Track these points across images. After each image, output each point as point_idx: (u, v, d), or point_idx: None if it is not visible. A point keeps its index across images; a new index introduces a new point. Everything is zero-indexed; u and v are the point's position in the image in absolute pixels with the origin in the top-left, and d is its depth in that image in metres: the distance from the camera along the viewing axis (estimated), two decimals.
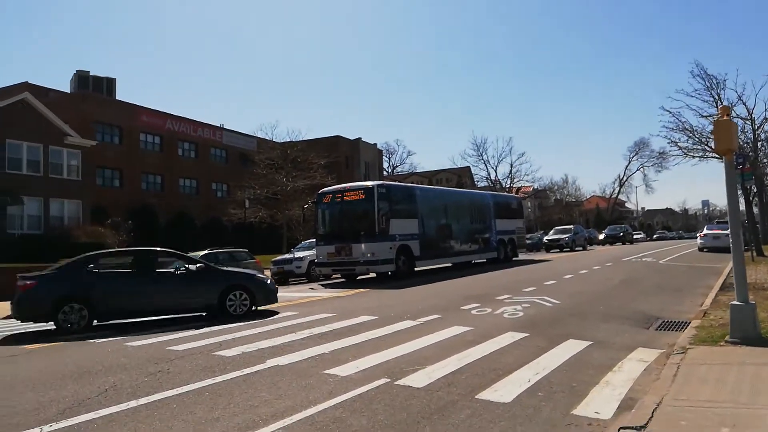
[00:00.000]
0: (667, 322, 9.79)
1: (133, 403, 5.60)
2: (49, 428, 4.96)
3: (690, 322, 9.26)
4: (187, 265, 12.07)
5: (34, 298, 10.64)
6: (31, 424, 5.09)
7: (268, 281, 13.12)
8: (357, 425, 4.77)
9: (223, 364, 7.20)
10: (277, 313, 12.22)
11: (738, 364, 6.25)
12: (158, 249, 12.67)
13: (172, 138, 45.15)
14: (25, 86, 37.48)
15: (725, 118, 7.53)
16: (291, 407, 5.29)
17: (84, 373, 7.07)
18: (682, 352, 6.96)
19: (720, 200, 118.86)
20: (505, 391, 5.68)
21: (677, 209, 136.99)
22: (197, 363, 7.33)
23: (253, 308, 12.28)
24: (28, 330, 11.81)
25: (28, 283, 10.79)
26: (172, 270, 11.96)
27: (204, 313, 12.14)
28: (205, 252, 20.89)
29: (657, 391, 5.41)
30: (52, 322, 10.78)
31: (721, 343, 7.28)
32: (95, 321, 11.15)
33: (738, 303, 7.38)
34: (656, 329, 9.26)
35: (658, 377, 6.02)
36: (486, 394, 5.57)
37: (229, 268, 13.77)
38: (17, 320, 11.18)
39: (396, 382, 6.04)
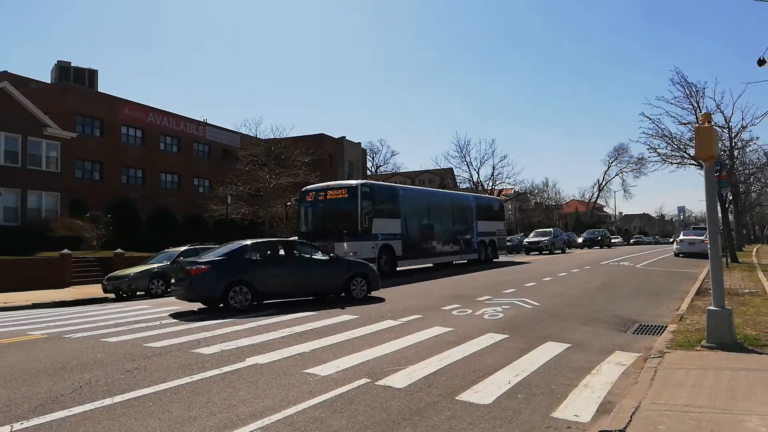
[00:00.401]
0: (645, 326, 9.90)
1: (108, 401, 5.49)
2: (20, 426, 4.84)
3: (667, 327, 9.38)
4: (317, 256, 14.24)
5: (208, 281, 12.16)
6: (1, 422, 4.96)
7: (377, 271, 15.24)
8: (336, 426, 4.74)
9: (201, 362, 7.11)
10: (384, 299, 13.63)
11: (714, 369, 6.33)
12: (297, 240, 15.92)
13: (154, 132, 44.52)
14: (5, 76, 36.76)
15: (707, 125, 7.62)
16: (270, 407, 5.24)
17: (59, 368, 6.93)
18: (660, 356, 7.03)
19: (695, 207, 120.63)
20: (485, 392, 5.69)
21: (654, 215, 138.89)
22: (175, 360, 7.23)
23: (369, 294, 14.14)
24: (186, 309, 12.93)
25: (203, 267, 12.35)
26: (310, 258, 14.09)
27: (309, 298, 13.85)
28: (186, 247, 20.59)
29: (635, 395, 5.45)
30: (221, 303, 12.26)
31: (698, 348, 7.37)
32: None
33: (714, 308, 7.47)
34: (634, 333, 9.37)
35: (636, 381, 6.08)
36: (466, 396, 5.57)
37: (351, 259, 15.61)
38: (186, 300, 12.77)
39: (377, 383, 6.02)
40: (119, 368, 6.86)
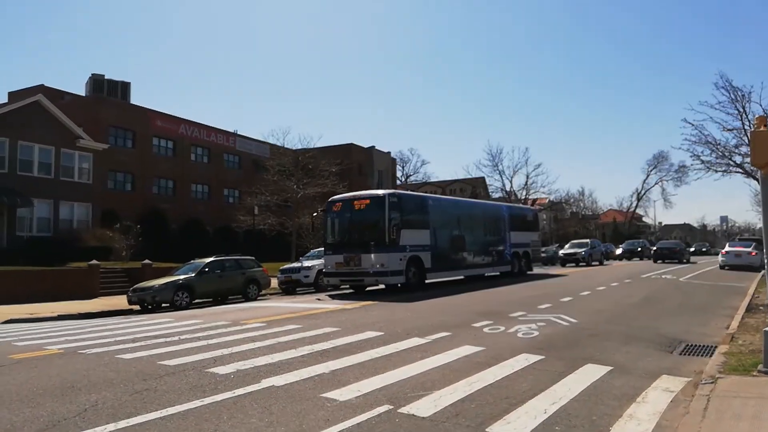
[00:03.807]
0: (692, 346, 9.17)
1: (110, 427, 5.11)
2: None
3: (717, 347, 8.65)
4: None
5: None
6: None
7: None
8: None
9: (214, 383, 6.71)
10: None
11: None
12: None
13: (185, 143, 45.01)
14: (41, 89, 37.50)
15: (763, 128, 6.94)
16: None
17: (67, 388, 6.62)
18: (712, 382, 6.37)
19: (739, 216, 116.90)
20: (518, 423, 5.13)
21: (696, 225, 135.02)
22: (188, 381, 6.84)
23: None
24: None
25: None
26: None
27: None
28: (211, 259, 20.50)
29: (688, 428, 4.87)
30: None
31: (754, 373, 6.68)
32: None
33: None
34: (680, 354, 8.65)
35: (687, 410, 5.45)
36: (497, 427, 5.02)
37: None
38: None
39: (399, 410, 5.51)
40: (129, 389, 6.50)
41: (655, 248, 44.60)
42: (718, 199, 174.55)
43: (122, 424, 5.20)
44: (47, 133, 30.17)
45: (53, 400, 6.11)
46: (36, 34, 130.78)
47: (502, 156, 72.16)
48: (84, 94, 43.25)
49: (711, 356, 8.06)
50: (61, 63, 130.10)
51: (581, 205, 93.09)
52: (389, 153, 64.75)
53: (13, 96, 38.65)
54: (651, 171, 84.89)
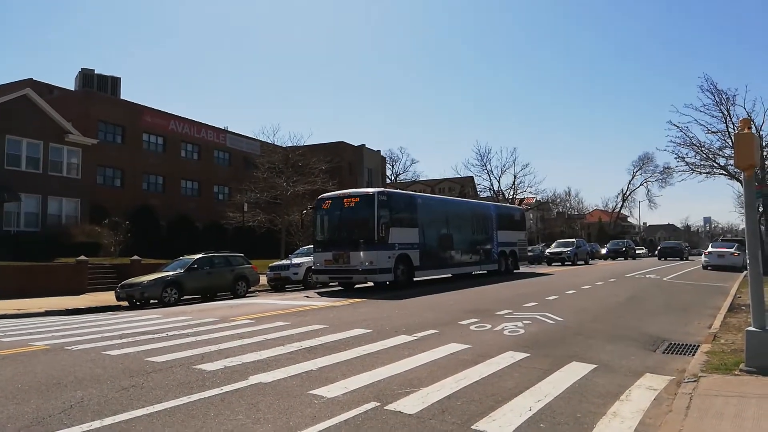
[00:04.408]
0: (675, 344, 9.29)
1: (96, 424, 5.11)
2: None
3: (699, 346, 8.77)
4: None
5: None
6: None
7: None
8: None
9: (202, 379, 6.72)
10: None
11: (757, 397, 5.76)
12: None
13: (175, 139, 44.72)
14: (29, 83, 37.18)
15: (747, 131, 7.05)
16: None
17: (53, 385, 6.60)
18: (695, 381, 6.47)
19: (722, 218, 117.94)
20: (504, 420, 5.20)
21: (679, 225, 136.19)
22: (175, 377, 6.84)
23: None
24: None
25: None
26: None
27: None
28: (200, 255, 20.45)
29: (670, 426, 4.94)
30: None
31: (736, 372, 6.79)
32: None
33: (754, 329, 6.87)
34: (663, 352, 8.76)
35: (670, 408, 5.54)
36: (483, 425, 5.08)
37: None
38: None
39: (386, 407, 5.56)
40: (115, 385, 6.50)
41: (659, 247, 51.56)
42: (701, 201, 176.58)
43: (108, 421, 5.20)
44: (35, 127, 29.88)
45: (38, 397, 6.09)
46: (25, 28, 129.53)
47: (491, 156, 72.67)
48: (73, 89, 42.91)
49: (694, 355, 8.17)
50: (50, 58, 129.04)
51: (567, 205, 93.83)
52: (379, 151, 64.72)
53: (1, 90, 38.26)
54: (636, 172, 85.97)
